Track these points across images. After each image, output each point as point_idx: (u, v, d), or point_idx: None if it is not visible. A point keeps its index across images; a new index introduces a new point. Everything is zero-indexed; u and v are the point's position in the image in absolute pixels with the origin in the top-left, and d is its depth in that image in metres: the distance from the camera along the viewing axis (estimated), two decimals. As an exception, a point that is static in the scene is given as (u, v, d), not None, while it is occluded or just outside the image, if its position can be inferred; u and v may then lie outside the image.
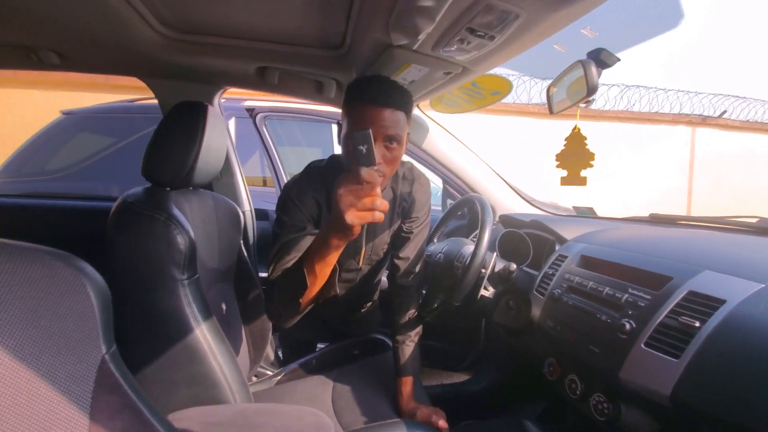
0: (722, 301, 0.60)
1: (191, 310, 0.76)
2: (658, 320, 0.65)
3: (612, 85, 5.95)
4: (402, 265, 1.13)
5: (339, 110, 1.38)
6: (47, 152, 2.34)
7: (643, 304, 0.68)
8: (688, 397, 0.57)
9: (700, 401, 0.56)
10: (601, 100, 6.03)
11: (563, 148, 0.81)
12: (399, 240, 1.14)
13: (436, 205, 2.25)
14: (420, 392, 1.11)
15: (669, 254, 0.75)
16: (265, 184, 2.77)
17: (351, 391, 1.12)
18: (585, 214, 1.48)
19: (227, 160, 1.36)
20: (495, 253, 1.02)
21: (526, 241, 1.25)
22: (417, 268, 1.14)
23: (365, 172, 0.61)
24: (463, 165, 1.50)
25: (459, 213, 1.48)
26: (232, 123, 2.39)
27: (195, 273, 0.80)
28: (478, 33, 0.66)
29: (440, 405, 1.11)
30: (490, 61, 0.82)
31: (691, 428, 0.61)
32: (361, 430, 0.93)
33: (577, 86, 0.74)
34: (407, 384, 1.07)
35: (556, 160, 0.83)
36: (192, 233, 0.79)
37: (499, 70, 0.99)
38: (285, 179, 2.05)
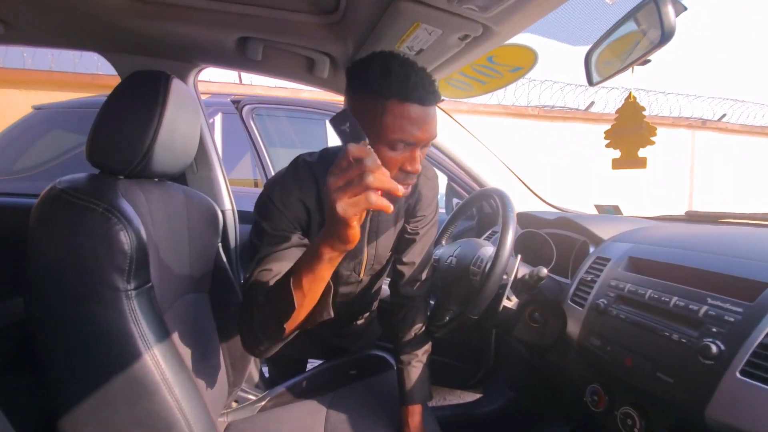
0: None
1: (139, 329, 0.59)
2: (758, 340, 0.48)
3: (612, 88, 5.87)
4: (407, 271, 0.97)
5: (333, 95, 1.24)
6: (16, 150, 2.16)
7: (732, 319, 0.52)
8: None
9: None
10: (600, 103, 5.95)
11: (615, 122, 0.65)
12: (402, 242, 0.97)
13: (440, 207, 2.10)
14: (430, 422, 0.94)
15: (753, 254, 0.59)
16: (257, 186, 2.60)
17: (348, 420, 0.95)
18: (608, 211, 1.33)
19: (203, 151, 1.18)
20: (518, 256, 0.85)
21: (548, 242, 1.09)
22: (424, 275, 0.98)
23: (353, 147, 0.48)
24: (472, 159, 1.34)
25: (473, 211, 1.32)
26: (218, 119, 2.22)
27: (146, 281, 0.63)
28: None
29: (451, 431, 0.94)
30: (519, 15, 0.67)
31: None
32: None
33: (637, 37, 0.58)
34: (415, 414, 0.90)
35: (606, 137, 0.67)
36: (143, 230, 0.62)
37: (522, 39, 0.83)
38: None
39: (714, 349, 0.51)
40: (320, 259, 0.54)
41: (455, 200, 1.60)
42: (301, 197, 0.81)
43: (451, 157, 1.36)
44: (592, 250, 0.89)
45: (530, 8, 0.64)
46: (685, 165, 6.80)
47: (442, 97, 0.75)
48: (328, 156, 0.87)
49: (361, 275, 0.96)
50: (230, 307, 1.06)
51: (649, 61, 0.57)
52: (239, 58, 1.04)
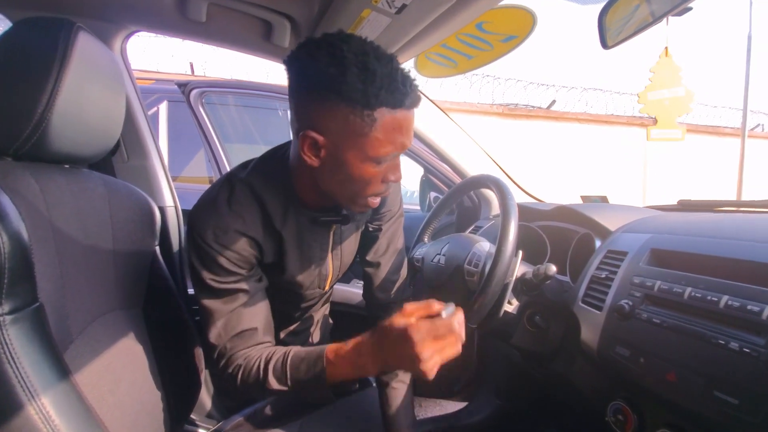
0: None
1: (16, 370, 0.41)
2: None
3: (571, 88, 6.07)
4: (376, 274, 0.85)
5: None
6: None
7: (810, 323, 0.42)
8: None
9: None
10: (561, 102, 6.13)
11: (650, 82, 0.55)
12: (366, 240, 0.85)
13: (414, 204, 1.97)
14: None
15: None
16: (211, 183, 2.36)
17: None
18: (595, 202, 1.25)
19: (136, 134, 0.98)
20: (520, 253, 0.73)
21: (541, 235, 0.99)
22: (396, 277, 0.87)
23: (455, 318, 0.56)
24: (455, 149, 1.22)
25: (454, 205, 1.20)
26: (163, 108, 1.97)
27: (31, 301, 0.44)
28: None
29: None
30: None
31: None
32: None
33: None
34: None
35: (640, 101, 0.59)
36: (23, 229, 0.43)
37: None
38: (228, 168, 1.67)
39: (791, 360, 0.40)
40: (366, 373, 0.61)
41: (433, 194, 1.47)
42: (244, 230, 0.65)
43: (432, 147, 1.23)
44: (598, 243, 0.79)
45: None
46: (639, 161, 7.16)
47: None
48: (272, 167, 0.70)
49: (327, 288, 0.85)
50: (171, 323, 0.87)
51: (690, 8, 0.47)
52: (178, 19, 0.85)
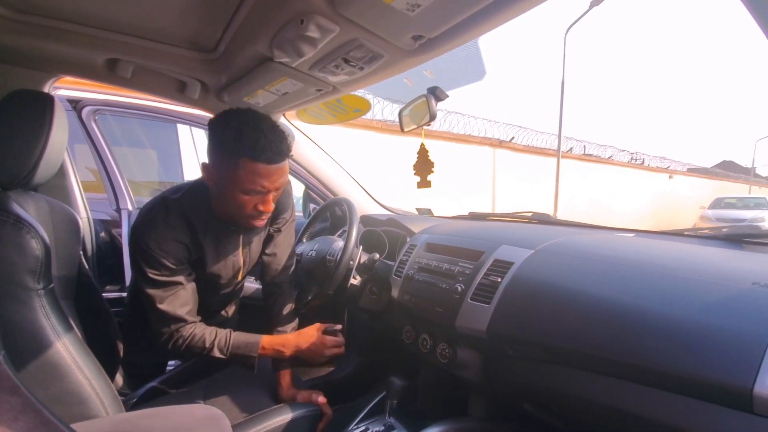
0: (512, 263, 0.90)
1: (49, 322, 0.69)
2: (478, 281, 0.92)
3: (438, 110, 7.07)
4: (271, 262, 1.17)
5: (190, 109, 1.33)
6: None
7: (468, 272, 0.95)
8: (497, 329, 0.84)
9: (504, 330, 0.83)
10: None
11: (416, 160, 1.04)
12: (269, 238, 1.18)
13: (297, 212, 2.34)
14: (298, 381, 1.19)
15: (482, 237, 1.05)
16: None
17: (225, 395, 1.11)
18: (424, 213, 1.82)
19: (61, 159, 1.17)
20: (360, 247, 1.19)
21: (383, 236, 1.48)
22: (287, 263, 1.19)
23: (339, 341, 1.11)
24: (325, 171, 1.65)
25: (327, 214, 1.62)
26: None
27: (51, 282, 0.72)
28: (351, 63, 0.82)
29: None
30: (356, 84, 0.99)
31: (501, 352, 0.88)
32: (246, 421, 0.96)
33: (422, 112, 0.98)
34: (285, 375, 1.11)
35: (413, 169, 1.05)
36: (47, 237, 0.71)
37: (361, 92, 1.17)
38: (123, 184, 1.81)
39: (459, 288, 0.93)
40: (284, 358, 1.04)
41: (312, 205, 1.88)
42: (178, 238, 0.93)
43: (308, 169, 1.64)
44: (408, 240, 1.30)
45: (364, 81, 0.98)
46: (488, 174, 8.70)
47: (300, 121, 1.02)
48: (198, 192, 0.97)
49: (240, 278, 1.14)
50: (94, 312, 1.10)
51: (429, 124, 0.97)
52: (106, 74, 1.09)
